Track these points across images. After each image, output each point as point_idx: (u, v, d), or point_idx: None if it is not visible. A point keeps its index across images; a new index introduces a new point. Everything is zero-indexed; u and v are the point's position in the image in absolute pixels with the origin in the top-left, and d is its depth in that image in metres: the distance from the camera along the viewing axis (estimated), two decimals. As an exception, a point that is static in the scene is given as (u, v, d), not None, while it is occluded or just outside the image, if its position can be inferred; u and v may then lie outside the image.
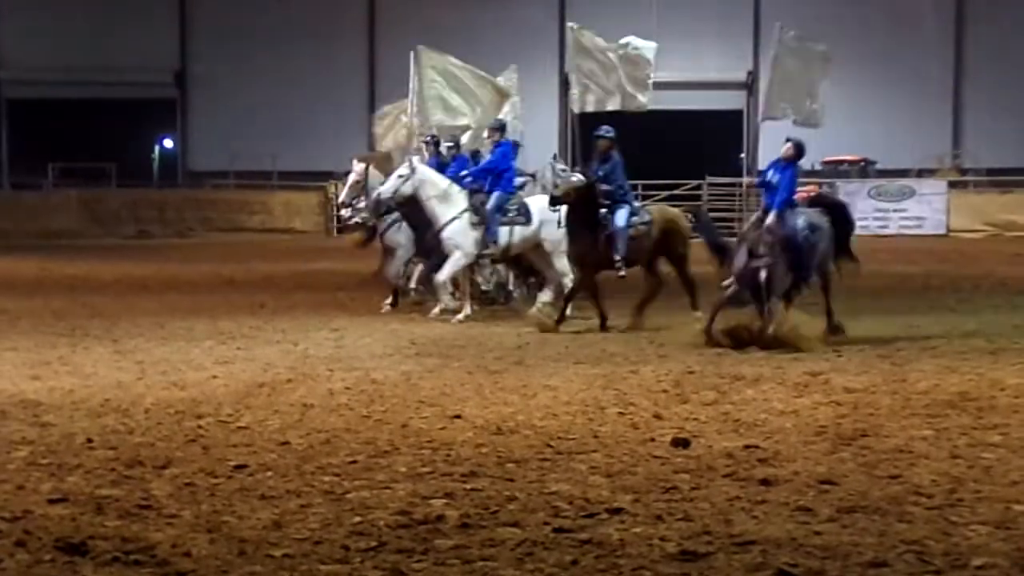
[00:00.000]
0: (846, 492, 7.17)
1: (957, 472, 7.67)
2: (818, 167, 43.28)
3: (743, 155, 46.73)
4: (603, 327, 15.52)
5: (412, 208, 17.22)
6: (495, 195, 17.00)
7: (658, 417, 9.55)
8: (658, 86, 42.52)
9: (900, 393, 10.50)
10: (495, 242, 16.93)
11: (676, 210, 17.47)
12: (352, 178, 18.55)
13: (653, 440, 8.68)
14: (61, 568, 5.81)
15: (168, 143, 52.08)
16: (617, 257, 15.82)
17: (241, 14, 47.32)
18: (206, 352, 13.65)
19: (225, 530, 6.42)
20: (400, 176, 17.11)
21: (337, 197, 27.50)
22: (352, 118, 45.36)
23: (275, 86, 46.04)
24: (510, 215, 16.96)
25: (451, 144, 18.67)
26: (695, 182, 40.82)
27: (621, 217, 15.97)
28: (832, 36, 45.87)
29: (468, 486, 7.33)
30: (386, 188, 17.16)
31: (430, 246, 17.19)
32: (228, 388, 11.04)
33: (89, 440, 8.71)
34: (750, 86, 46.79)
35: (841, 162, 43.45)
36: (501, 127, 17.80)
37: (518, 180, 17.81)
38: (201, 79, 47.95)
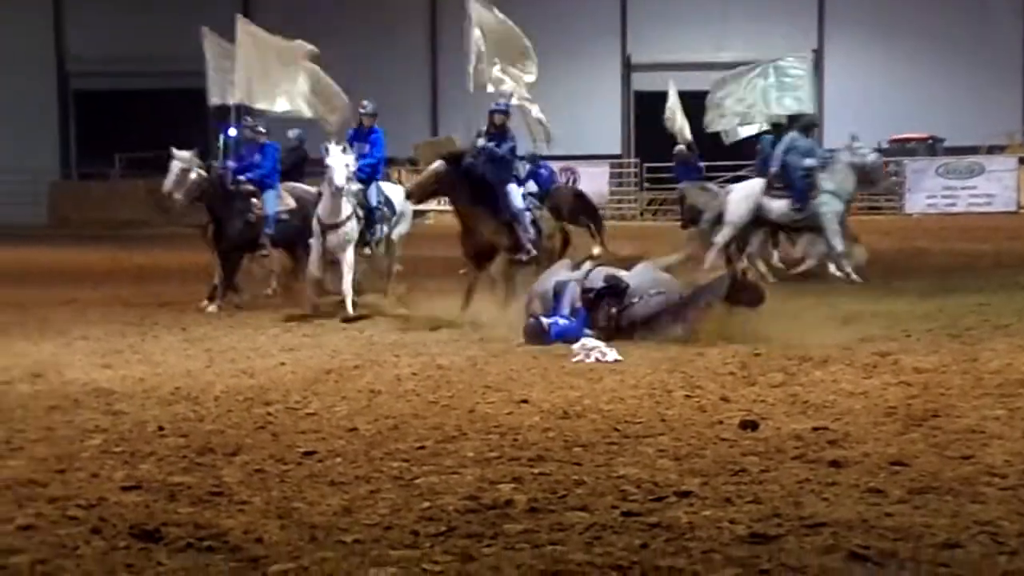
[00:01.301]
0: (917, 473, 7.11)
1: (1031, 452, 7.58)
2: (885, 145, 42.83)
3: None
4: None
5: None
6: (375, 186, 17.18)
7: (725, 400, 9.50)
8: (722, 66, 42.34)
9: (971, 373, 10.38)
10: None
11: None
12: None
13: (721, 423, 8.64)
14: (136, 555, 5.88)
15: (233, 132, 52.43)
16: (526, 237, 15.77)
17: (302, 1, 47.50)
18: (273, 340, 13.77)
19: (296, 516, 6.47)
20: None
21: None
22: (415, 103, 45.43)
23: (335, 71, 46.19)
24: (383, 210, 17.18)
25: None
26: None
27: (517, 199, 15.87)
28: (898, 11, 45.58)
29: (536, 470, 7.33)
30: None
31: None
32: (296, 375, 11.12)
33: (161, 428, 8.80)
34: (815, 64, 46.31)
35: (908, 140, 42.94)
36: (375, 113, 17.24)
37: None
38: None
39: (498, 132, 16.15)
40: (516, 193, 15.94)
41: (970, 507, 6.40)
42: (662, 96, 34.54)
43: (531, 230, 15.90)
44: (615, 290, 13.05)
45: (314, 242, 16.18)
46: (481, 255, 15.84)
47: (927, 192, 40.44)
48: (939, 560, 5.55)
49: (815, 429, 8.31)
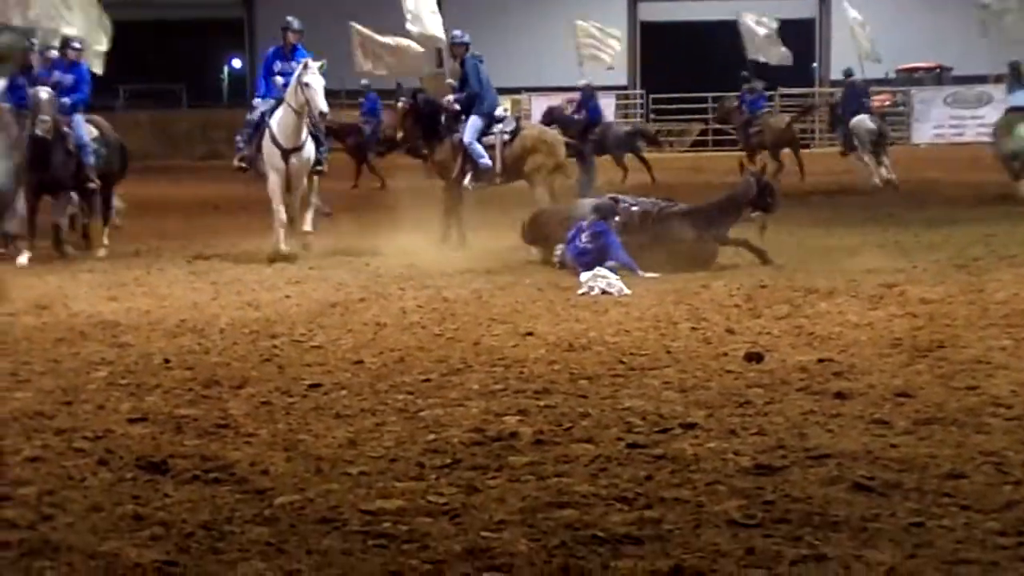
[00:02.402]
0: (922, 404, 7.11)
1: (1036, 383, 7.58)
2: (892, 75, 42.53)
3: (816, 64, 46.05)
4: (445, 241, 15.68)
5: None
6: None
7: (731, 332, 9.50)
8: (726, -4, 41.61)
9: (977, 303, 10.36)
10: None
11: (550, 132, 17.50)
12: None
13: (726, 355, 8.64)
14: (142, 486, 5.91)
15: (237, 63, 52.16)
16: (478, 164, 15.93)
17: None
18: (278, 272, 13.76)
19: (301, 448, 6.49)
20: None
21: None
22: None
23: (348, 6, 45.77)
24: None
25: None
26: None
27: (468, 130, 15.99)
28: (906, -61, 45.07)
29: (541, 403, 7.34)
30: None
31: None
32: (301, 308, 11.12)
33: (167, 360, 8.82)
34: (823, -7, 45.97)
35: (915, 69, 42.66)
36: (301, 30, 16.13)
37: None
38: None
39: (461, 63, 16.49)
40: (470, 125, 16.07)
41: (975, 437, 6.41)
42: (668, 27, 34.31)
43: (483, 158, 15.96)
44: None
45: (272, 172, 15.14)
46: (443, 176, 16.43)
47: (934, 122, 40.20)
48: (943, 490, 5.56)
49: (820, 361, 8.31)
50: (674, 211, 13.56)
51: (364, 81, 29.87)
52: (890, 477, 5.74)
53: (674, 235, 13.27)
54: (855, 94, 25.91)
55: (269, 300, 11.60)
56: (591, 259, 12.56)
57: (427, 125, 16.55)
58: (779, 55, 33.81)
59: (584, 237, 12.87)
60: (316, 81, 14.86)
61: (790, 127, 27.87)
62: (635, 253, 12.79)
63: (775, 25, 34.20)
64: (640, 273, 12.37)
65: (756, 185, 13.73)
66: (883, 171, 24.00)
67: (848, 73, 26.97)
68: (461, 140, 16.02)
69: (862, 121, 24.44)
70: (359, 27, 28.29)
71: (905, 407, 7.06)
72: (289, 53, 15.80)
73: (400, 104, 16.66)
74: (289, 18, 16.21)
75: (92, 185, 15.76)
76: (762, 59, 33.56)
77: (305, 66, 14.94)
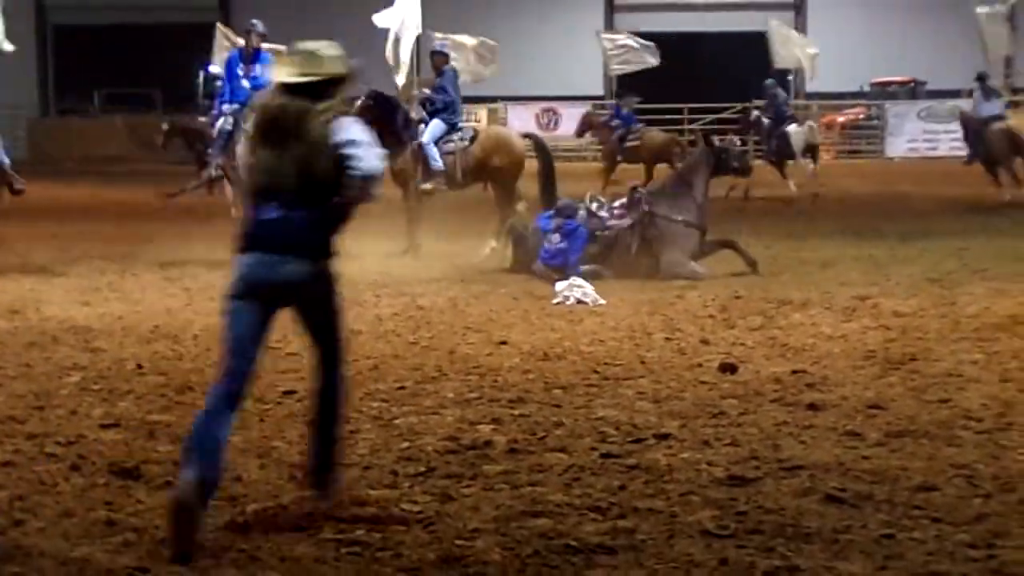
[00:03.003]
0: (894, 416, 7.15)
1: (1007, 396, 7.63)
2: (866, 88, 42.73)
3: (791, 77, 46.21)
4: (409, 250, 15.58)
5: None
6: None
7: (705, 343, 9.53)
8: (704, 7, 42.12)
9: (949, 317, 10.42)
10: None
11: (508, 132, 17.47)
12: None
13: (700, 366, 8.67)
14: (115, 492, 5.89)
15: (214, 69, 51.97)
16: (431, 169, 15.92)
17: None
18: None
19: (275, 455, 6.49)
20: None
21: None
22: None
23: (324, 10, 45.76)
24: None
25: None
26: (742, 105, 40.40)
27: (428, 132, 16.03)
28: (880, -47, 45.31)
29: (516, 412, 7.35)
30: None
31: None
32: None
33: (139, 366, 8.79)
34: (798, 6, 46.14)
35: (889, 83, 42.86)
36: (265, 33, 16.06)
37: None
38: (245, 2, 47.76)
39: (439, 72, 16.60)
40: (431, 128, 16.12)
41: (946, 450, 6.45)
42: (645, 37, 34.39)
43: (437, 161, 15.97)
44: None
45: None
46: (397, 180, 16.22)
47: (908, 136, 40.37)
48: (914, 503, 5.59)
49: (793, 372, 8.35)
50: (651, 209, 13.64)
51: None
52: (862, 489, 5.78)
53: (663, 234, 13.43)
54: (780, 105, 26.25)
55: (243, 306, 11.55)
56: (559, 260, 12.77)
57: (385, 126, 16.36)
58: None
59: (554, 238, 13.02)
60: None
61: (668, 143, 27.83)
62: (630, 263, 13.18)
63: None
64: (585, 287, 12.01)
65: (712, 153, 14.18)
66: (805, 177, 24.16)
67: (771, 85, 27.31)
68: (419, 143, 16.03)
69: (796, 131, 24.72)
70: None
71: (877, 419, 7.10)
72: (251, 56, 15.60)
73: (359, 101, 16.46)
74: (253, 21, 16.03)
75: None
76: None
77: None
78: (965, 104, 29.62)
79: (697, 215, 13.76)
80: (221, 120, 15.66)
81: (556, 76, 41.55)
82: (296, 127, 5.57)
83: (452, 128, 16.28)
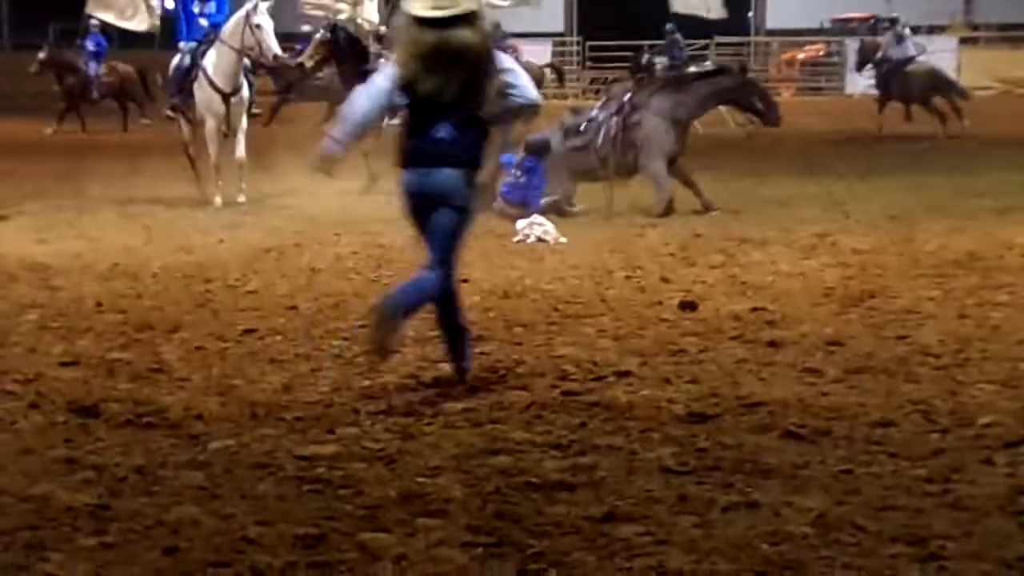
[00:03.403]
0: (853, 353, 7.20)
1: (964, 332, 7.69)
2: (827, 25, 42.68)
3: (751, 13, 46.10)
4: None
5: None
6: None
7: (665, 280, 9.55)
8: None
9: (907, 254, 10.49)
10: None
11: None
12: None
13: (660, 303, 8.69)
14: (74, 430, 5.87)
15: (169, 3, 51.33)
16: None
17: None
18: (212, 216, 13.64)
19: (236, 393, 6.47)
20: None
21: None
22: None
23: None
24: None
25: None
26: (703, 42, 40.30)
27: None
28: None
29: (476, 350, 7.33)
30: None
31: None
32: (235, 253, 11.05)
33: (99, 304, 8.74)
34: (760, -58, 45.93)
35: (850, 20, 42.83)
36: None
37: None
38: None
39: (392, 6, 17.02)
40: None
41: (904, 386, 6.50)
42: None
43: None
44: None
45: (210, 117, 14.57)
46: None
47: (868, 72, 40.35)
48: (873, 438, 5.64)
49: (753, 310, 8.38)
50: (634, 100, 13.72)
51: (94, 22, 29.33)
52: (820, 425, 5.82)
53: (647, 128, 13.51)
54: (675, 49, 26.51)
55: (203, 244, 11.51)
56: (519, 195, 12.71)
57: (347, 62, 16.29)
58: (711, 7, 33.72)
59: (516, 172, 12.99)
60: (267, 22, 14.39)
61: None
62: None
63: None
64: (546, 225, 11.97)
65: (744, 82, 14.33)
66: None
67: (671, 29, 27.44)
68: None
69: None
70: None
71: (836, 356, 7.15)
72: None
73: (318, 35, 16.31)
74: None
75: None
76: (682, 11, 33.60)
77: (255, 7, 14.43)
78: (926, 41, 29.75)
79: (684, 115, 13.77)
80: (177, 57, 15.42)
81: (516, 13, 41.26)
82: (460, 58, 6.37)
83: None
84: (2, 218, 13.32)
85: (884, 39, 25.52)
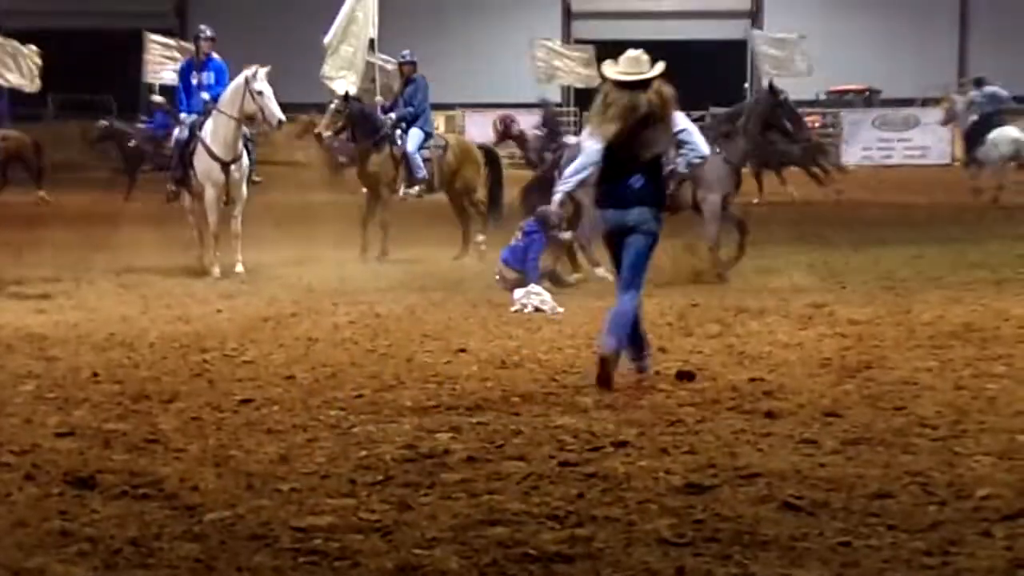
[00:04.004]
0: (851, 424, 7.19)
1: (961, 403, 7.69)
2: (822, 96, 43.01)
3: (747, 85, 46.46)
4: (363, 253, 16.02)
5: None
6: None
7: (663, 350, 9.54)
8: (662, 15, 42.26)
9: (904, 325, 10.50)
10: None
11: (469, 141, 17.79)
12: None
13: (658, 373, 8.68)
14: (70, 501, 5.84)
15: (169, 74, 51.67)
16: (414, 176, 16.35)
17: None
18: (210, 286, 13.67)
19: (232, 464, 6.45)
20: None
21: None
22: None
23: (281, 15, 45.61)
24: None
25: None
26: (699, 113, 40.60)
27: (411, 140, 16.40)
28: (836, -37, 45.68)
29: (473, 420, 7.35)
30: None
31: None
32: (233, 322, 11.06)
33: (95, 374, 8.73)
34: (754, 15, 46.43)
35: (845, 92, 43.21)
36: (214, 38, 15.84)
37: None
38: (202, 9, 47.59)
39: (407, 80, 17.03)
40: (412, 136, 16.49)
41: (902, 458, 6.48)
42: (602, 44, 34.40)
43: (422, 170, 16.39)
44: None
45: (210, 187, 14.65)
46: (371, 186, 16.65)
47: (863, 144, 40.66)
48: (870, 510, 5.62)
49: (751, 380, 8.38)
50: None
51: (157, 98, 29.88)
52: (818, 497, 5.80)
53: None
54: (552, 122, 26.85)
55: (200, 314, 11.52)
56: (517, 259, 12.78)
57: (362, 131, 16.58)
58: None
59: (517, 235, 13.03)
60: (268, 89, 14.47)
61: None
62: None
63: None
64: (543, 295, 12.03)
65: (775, 103, 14.56)
66: None
67: (544, 102, 27.61)
68: (404, 151, 16.22)
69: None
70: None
71: (834, 427, 7.14)
72: (202, 64, 15.41)
73: (333, 105, 16.58)
74: (201, 27, 15.83)
75: None
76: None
77: (255, 74, 14.51)
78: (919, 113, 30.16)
79: (739, 157, 13.89)
80: (177, 130, 15.54)
81: (514, 83, 41.63)
82: (649, 117, 7.91)
83: (427, 136, 16.54)
84: None
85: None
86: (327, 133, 17.03)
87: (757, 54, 33.67)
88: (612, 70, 8.09)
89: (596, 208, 8.46)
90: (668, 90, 8.12)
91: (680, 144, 8.27)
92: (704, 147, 8.45)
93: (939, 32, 45.79)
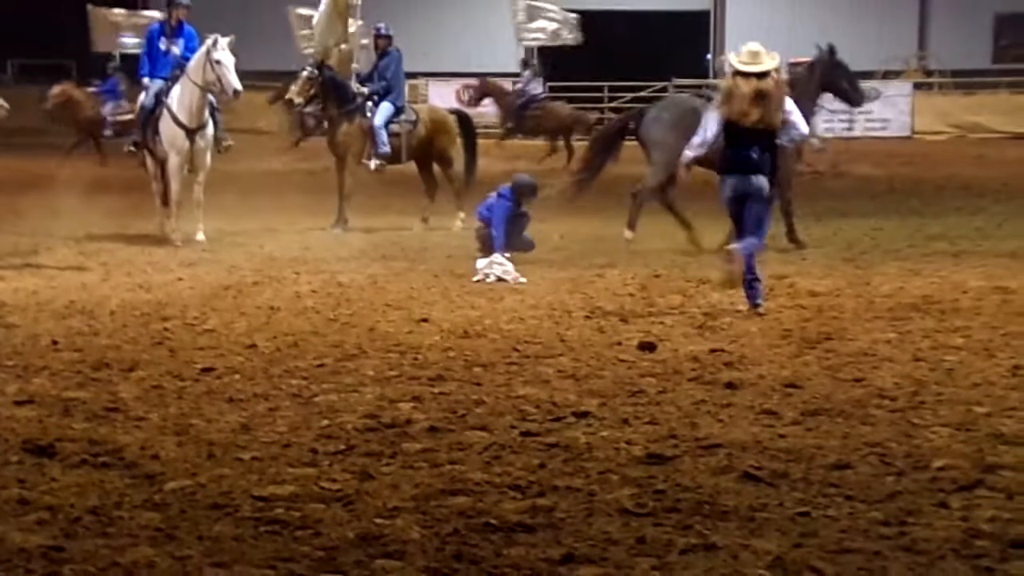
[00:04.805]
0: (810, 395, 7.24)
1: (920, 375, 7.76)
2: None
3: (710, 56, 46.47)
4: (337, 224, 15.93)
5: None
6: None
7: (624, 321, 9.58)
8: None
9: (864, 296, 10.57)
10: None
11: (444, 111, 17.69)
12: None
13: (619, 344, 8.72)
14: (29, 470, 5.82)
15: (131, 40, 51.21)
16: (377, 151, 16.28)
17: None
18: (171, 254, 13.59)
19: (193, 433, 6.44)
20: None
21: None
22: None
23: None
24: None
25: None
26: (661, 84, 40.58)
27: (379, 114, 16.35)
28: (798, -65, 45.69)
29: (436, 390, 7.36)
30: None
31: None
32: (194, 290, 11.01)
33: (55, 342, 8.68)
34: (716, -14, 46.38)
35: (803, 63, 43.28)
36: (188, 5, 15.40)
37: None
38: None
39: (382, 54, 16.93)
40: (381, 110, 16.40)
41: (860, 429, 6.54)
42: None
43: (385, 146, 16.31)
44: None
45: (174, 154, 14.53)
46: (337, 156, 16.51)
47: (824, 116, 40.64)
48: (829, 480, 5.67)
49: (712, 351, 8.43)
50: None
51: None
52: (778, 467, 5.85)
53: None
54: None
55: (161, 282, 11.46)
56: (484, 217, 12.93)
57: (333, 100, 16.49)
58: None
59: (491, 194, 13.05)
60: (227, 58, 14.38)
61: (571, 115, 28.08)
62: None
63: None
64: (506, 265, 11.98)
65: (834, 63, 14.78)
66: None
67: (528, 63, 27.99)
68: (371, 124, 16.17)
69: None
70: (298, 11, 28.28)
71: (793, 398, 7.19)
72: (174, 30, 15.20)
73: (305, 72, 16.48)
74: None
75: None
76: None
77: (215, 43, 14.42)
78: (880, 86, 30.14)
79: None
80: (143, 95, 15.40)
81: (477, 52, 41.47)
82: (770, 101, 9.65)
83: (399, 111, 16.50)
84: None
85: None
86: (298, 100, 16.96)
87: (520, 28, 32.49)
88: (737, 61, 9.82)
89: (720, 174, 9.98)
90: (780, 78, 10.10)
91: (785, 123, 9.78)
92: (804, 127, 10.06)
93: (899, 5, 45.87)
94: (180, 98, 14.60)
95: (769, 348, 8.58)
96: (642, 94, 38.32)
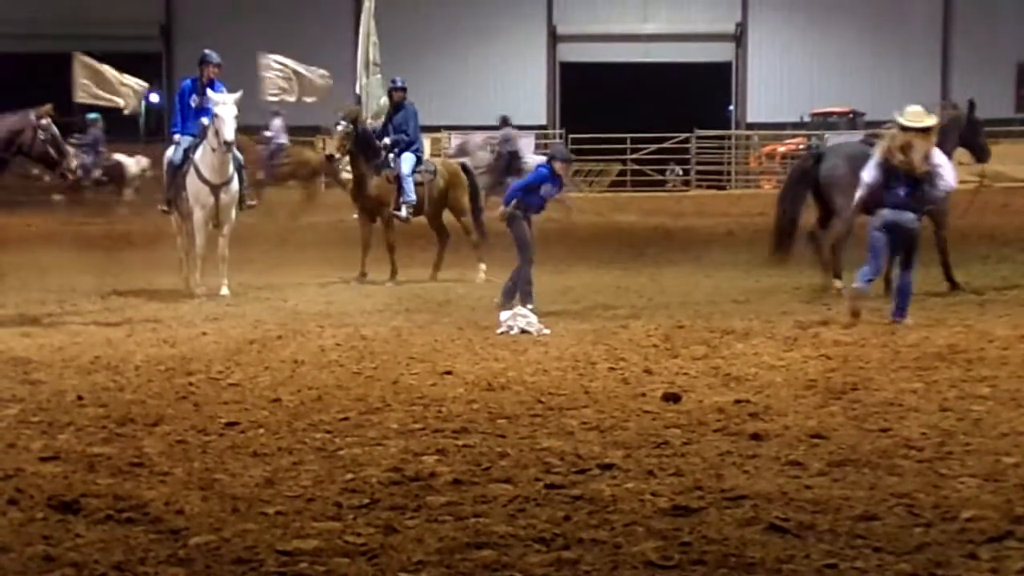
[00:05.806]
0: (836, 446, 7.20)
1: (946, 425, 7.70)
2: (807, 119, 43.17)
3: (732, 107, 46.64)
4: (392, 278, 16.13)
5: None
6: None
7: (648, 372, 9.56)
8: (647, 38, 42.38)
9: (889, 346, 10.52)
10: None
11: (456, 163, 17.91)
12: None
13: (644, 395, 8.69)
14: (54, 526, 5.82)
15: (154, 98, 51.70)
16: (404, 200, 16.53)
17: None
18: (195, 309, 13.64)
19: (217, 487, 6.43)
20: None
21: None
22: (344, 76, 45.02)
23: (265, 39, 45.56)
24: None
25: None
26: (684, 135, 40.73)
27: (405, 164, 16.62)
28: (821, -13, 45.90)
29: (460, 442, 7.34)
30: None
31: None
32: (218, 345, 11.03)
33: (80, 397, 8.70)
34: (738, 38, 46.58)
35: (829, 114, 43.35)
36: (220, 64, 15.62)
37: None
38: (188, 32, 47.57)
39: (397, 106, 17.28)
40: (406, 160, 16.69)
41: (887, 479, 6.49)
42: (587, 67, 34.57)
43: (412, 195, 16.57)
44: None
45: (199, 209, 14.73)
46: (369, 209, 16.78)
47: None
48: (857, 532, 5.63)
49: (737, 402, 8.39)
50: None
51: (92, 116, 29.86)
52: (804, 519, 5.80)
53: None
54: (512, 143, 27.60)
55: (185, 337, 11.50)
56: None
57: (363, 154, 16.65)
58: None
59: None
60: (224, 111, 14.51)
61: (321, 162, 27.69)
62: None
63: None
64: (530, 317, 12.01)
65: (971, 120, 15.77)
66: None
67: (506, 120, 28.05)
68: (398, 174, 16.38)
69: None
70: (274, 57, 28.51)
71: (819, 449, 7.14)
72: (205, 87, 15.36)
73: (340, 127, 16.65)
74: (207, 51, 15.82)
75: None
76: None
77: (215, 93, 14.72)
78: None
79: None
80: (171, 150, 15.55)
81: (499, 105, 41.69)
82: (919, 151, 11.55)
83: (419, 160, 16.74)
84: None
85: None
86: (337, 155, 17.19)
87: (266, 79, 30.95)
88: (901, 119, 11.64)
89: (880, 208, 11.75)
90: (933, 137, 11.69)
91: (934, 175, 11.58)
92: (952, 180, 11.81)
93: (922, 55, 45.99)
94: (205, 155, 14.80)
95: (794, 399, 8.54)
96: (665, 145, 38.47)
